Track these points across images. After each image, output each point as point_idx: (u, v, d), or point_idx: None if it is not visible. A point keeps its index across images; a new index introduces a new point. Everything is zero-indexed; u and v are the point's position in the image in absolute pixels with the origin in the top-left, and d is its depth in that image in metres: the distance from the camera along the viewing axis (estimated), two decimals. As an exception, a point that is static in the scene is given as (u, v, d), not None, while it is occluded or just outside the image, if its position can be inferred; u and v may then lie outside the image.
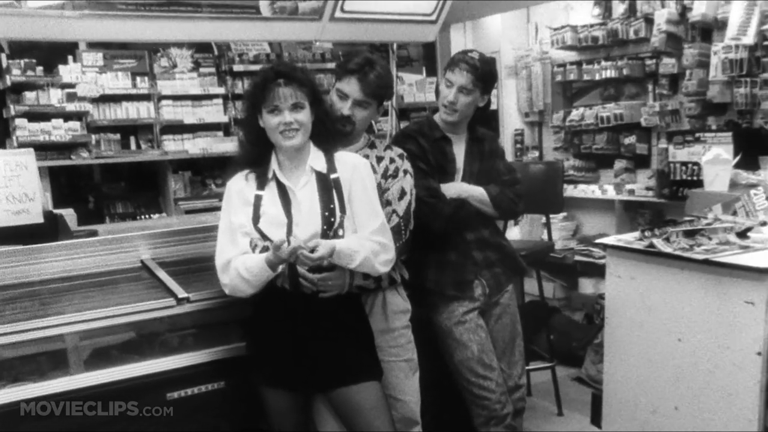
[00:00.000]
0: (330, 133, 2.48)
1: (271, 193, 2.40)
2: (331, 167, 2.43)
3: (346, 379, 2.40)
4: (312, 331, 2.38)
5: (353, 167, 2.44)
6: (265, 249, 2.36)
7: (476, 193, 2.95)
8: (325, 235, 2.36)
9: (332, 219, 2.36)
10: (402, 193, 2.66)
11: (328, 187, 2.40)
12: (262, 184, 2.41)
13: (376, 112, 2.74)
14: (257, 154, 2.44)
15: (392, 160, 2.71)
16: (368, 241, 2.39)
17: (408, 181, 2.70)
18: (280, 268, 2.32)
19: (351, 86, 2.62)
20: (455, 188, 2.94)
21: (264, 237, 2.37)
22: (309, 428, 2.54)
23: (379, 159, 2.71)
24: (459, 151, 3.02)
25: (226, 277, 2.40)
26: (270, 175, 2.42)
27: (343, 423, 2.45)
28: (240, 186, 2.43)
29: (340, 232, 2.38)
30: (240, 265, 2.35)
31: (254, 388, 2.46)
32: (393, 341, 2.69)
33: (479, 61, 2.88)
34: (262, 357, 2.45)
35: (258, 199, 2.39)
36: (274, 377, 2.41)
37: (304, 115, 2.34)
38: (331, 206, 2.37)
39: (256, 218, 2.38)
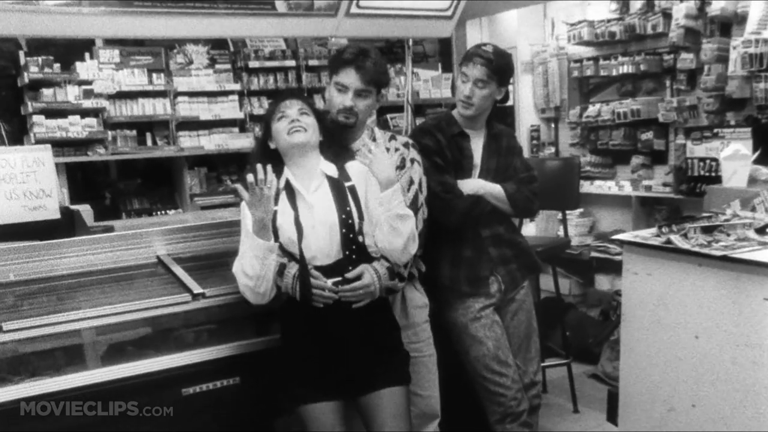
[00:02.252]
0: (337, 146, 2.53)
1: (283, 205, 2.41)
2: (344, 175, 2.44)
3: (375, 383, 2.39)
4: (343, 337, 2.37)
5: (366, 173, 2.44)
6: (283, 266, 2.37)
7: (494, 190, 2.94)
8: (346, 240, 2.36)
9: (350, 221, 2.35)
10: (410, 183, 2.65)
11: (343, 192, 2.41)
12: (275, 197, 2.39)
13: (376, 101, 2.73)
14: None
15: (396, 150, 2.69)
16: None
17: (416, 170, 2.68)
18: (273, 241, 2.32)
19: (350, 77, 2.60)
20: (473, 185, 2.92)
21: (284, 252, 2.39)
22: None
23: None
24: (477, 147, 3.00)
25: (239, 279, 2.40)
26: (282, 184, 2.43)
27: (364, 425, 2.45)
28: None
29: (360, 239, 2.38)
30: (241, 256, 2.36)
31: (289, 405, 2.44)
32: (414, 337, 2.69)
33: (493, 54, 2.86)
34: (297, 375, 2.42)
35: (273, 215, 2.38)
36: (312, 391, 2.37)
37: (311, 120, 2.42)
38: (348, 209, 2.37)
39: (274, 233, 2.37)
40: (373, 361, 2.40)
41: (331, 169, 2.44)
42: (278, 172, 2.42)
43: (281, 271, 2.37)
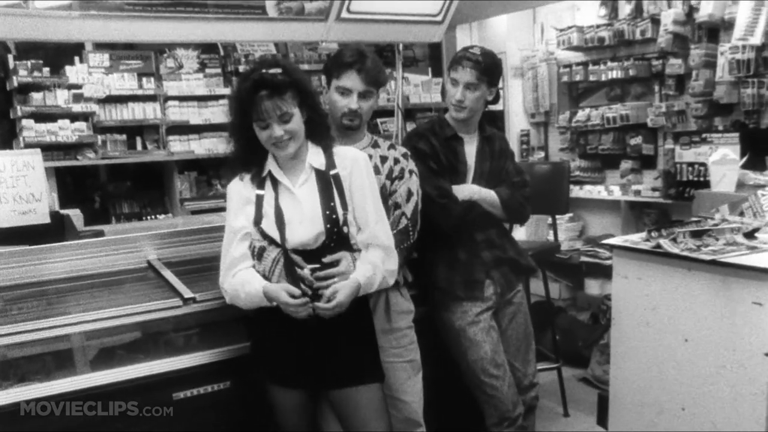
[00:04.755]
0: (324, 127, 2.45)
1: (268, 193, 2.39)
2: (330, 163, 2.40)
3: (348, 379, 2.40)
4: (317, 330, 2.37)
5: (352, 161, 2.42)
6: (262, 249, 2.37)
7: (488, 196, 2.95)
8: (330, 233, 2.34)
9: (334, 216, 2.34)
10: (409, 195, 2.67)
11: (328, 184, 2.38)
12: (261, 183, 2.39)
13: (377, 100, 2.74)
14: (253, 155, 2.40)
15: (396, 161, 2.71)
16: (375, 257, 2.39)
17: (414, 181, 2.70)
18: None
19: (352, 80, 2.61)
20: (467, 190, 2.93)
21: (264, 236, 2.36)
22: (316, 426, 2.54)
23: (383, 159, 2.70)
24: (470, 150, 3.01)
25: (227, 284, 2.40)
26: (265, 173, 2.40)
27: (340, 423, 2.46)
28: (238, 188, 2.41)
29: (346, 230, 2.37)
30: (241, 284, 2.36)
31: (260, 387, 2.45)
32: (396, 342, 2.69)
33: (481, 56, 2.87)
34: (267, 355, 2.45)
35: (260, 199, 2.38)
36: (279, 375, 2.41)
37: (294, 123, 2.29)
38: (332, 204, 2.35)
39: (258, 218, 2.37)
40: (346, 356, 2.40)
41: (319, 160, 2.39)
42: (261, 159, 2.40)
43: (260, 254, 2.37)
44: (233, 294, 2.39)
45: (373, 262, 2.38)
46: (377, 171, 2.64)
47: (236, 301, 2.40)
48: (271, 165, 2.40)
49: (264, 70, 2.28)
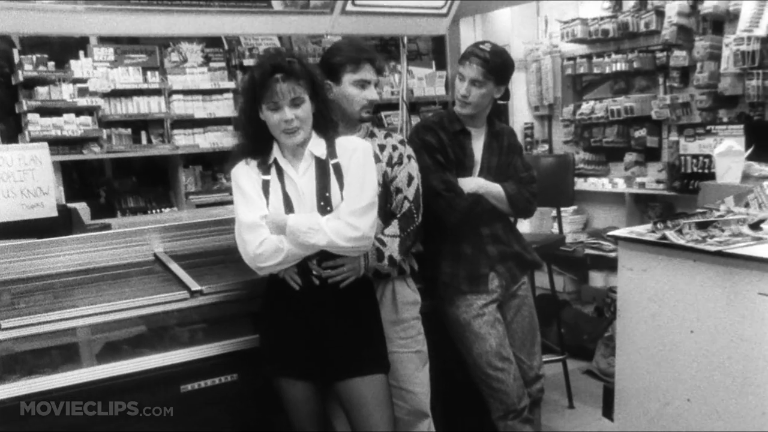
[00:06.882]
0: (331, 120, 2.45)
1: (273, 180, 2.39)
2: (332, 152, 2.41)
3: (352, 370, 2.41)
4: (324, 321, 2.39)
5: (353, 150, 2.41)
6: None
7: (494, 190, 2.95)
8: None
9: (328, 208, 2.35)
10: (410, 179, 2.68)
11: (326, 173, 2.38)
12: (266, 169, 2.40)
13: None
14: (259, 145, 2.41)
15: (395, 147, 2.72)
16: (334, 221, 2.33)
17: (413, 166, 2.72)
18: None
19: (370, 72, 2.65)
20: (473, 183, 2.93)
21: None
22: (327, 425, 2.55)
23: (382, 147, 2.71)
24: (477, 144, 3.01)
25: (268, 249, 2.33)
26: (271, 160, 2.40)
27: (345, 415, 2.47)
28: (245, 170, 2.40)
29: None
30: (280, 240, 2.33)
31: (268, 380, 2.47)
32: (403, 332, 2.70)
33: (490, 53, 2.85)
34: (274, 347, 2.46)
35: (266, 185, 2.38)
36: (287, 368, 2.42)
37: (304, 110, 2.32)
38: (327, 195, 2.36)
39: (267, 203, 2.38)
40: (352, 347, 2.42)
41: (321, 148, 2.40)
42: (267, 148, 2.40)
43: None
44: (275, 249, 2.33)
45: (327, 220, 2.33)
46: (377, 159, 2.64)
47: (292, 251, 2.33)
48: (276, 153, 2.41)
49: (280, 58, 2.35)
